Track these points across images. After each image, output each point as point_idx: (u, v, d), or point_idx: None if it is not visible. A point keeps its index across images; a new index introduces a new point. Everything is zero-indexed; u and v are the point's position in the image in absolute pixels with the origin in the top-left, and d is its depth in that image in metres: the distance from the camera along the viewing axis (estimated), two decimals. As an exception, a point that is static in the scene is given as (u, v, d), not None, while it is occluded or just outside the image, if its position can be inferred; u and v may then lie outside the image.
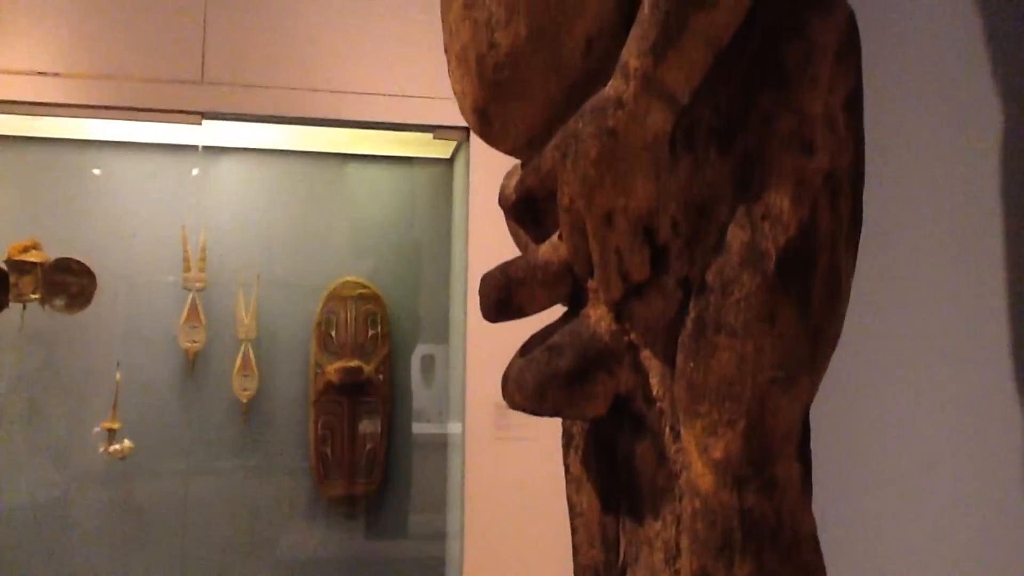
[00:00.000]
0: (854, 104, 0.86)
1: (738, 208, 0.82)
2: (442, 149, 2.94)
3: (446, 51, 0.98)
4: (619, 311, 0.88)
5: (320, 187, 3.11)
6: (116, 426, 2.68)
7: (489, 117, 0.92)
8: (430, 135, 2.71)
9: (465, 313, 2.66)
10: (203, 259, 2.84)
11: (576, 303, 0.94)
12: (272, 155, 3.06)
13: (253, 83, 2.60)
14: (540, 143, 0.89)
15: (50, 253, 2.73)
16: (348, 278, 2.99)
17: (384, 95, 2.65)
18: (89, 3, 2.57)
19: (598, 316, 0.89)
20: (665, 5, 0.80)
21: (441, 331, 3.02)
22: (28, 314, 2.71)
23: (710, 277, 0.81)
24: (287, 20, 2.66)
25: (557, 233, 0.91)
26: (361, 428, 2.92)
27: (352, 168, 3.13)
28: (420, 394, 3.07)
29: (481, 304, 0.94)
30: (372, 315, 2.95)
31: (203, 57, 2.58)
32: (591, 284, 0.89)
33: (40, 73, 2.53)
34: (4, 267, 2.65)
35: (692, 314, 0.82)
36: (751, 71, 0.84)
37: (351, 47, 2.67)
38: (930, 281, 1.55)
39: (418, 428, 3.07)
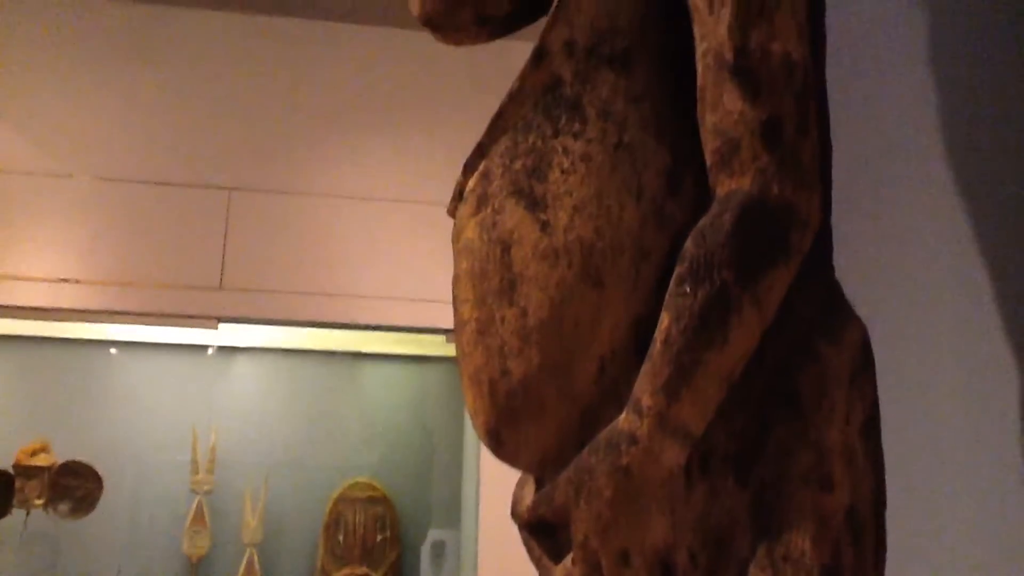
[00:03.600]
0: (872, 428, 0.85)
1: (758, 546, 0.80)
2: (454, 349, 2.95)
3: (459, 367, 0.99)
4: (638, 647, 0.84)
5: (332, 386, 3.12)
6: (112, 641, 2.59)
7: (502, 439, 0.92)
8: (443, 337, 2.73)
9: (477, 504, 2.60)
10: (212, 460, 2.81)
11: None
12: (285, 354, 3.09)
13: (269, 288, 2.64)
14: (553, 464, 0.88)
15: (60, 452, 2.72)
16: (358, 479, 2.95)
17: (397, 299, 2.69)
18: (111, 213, 2.65)
19: (616, 651, 0.85)
20: (677, 343, 0.80)
21: (452, 520, 2.95)
22: (31, 518, 2.67)
23: (732, 625, 0.78)
24: (304, 227, 2.73)
25: (571, 557, 0.88)
26: (367, 639, 2.81)
27: (365, 367, 3.15)
28: (431, 584, 2.96)
29: None
30: (381, 518, 2.89)
31: (223, 264, 2.64)
32: (608, 617, 0.86)
33: (62, 280, 2.59)
34: (11, 472, 2.62)
35: (715, 663, 0.78)
36: (765, 399, 0.84)
37: (365, 253, 2.73)
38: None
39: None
